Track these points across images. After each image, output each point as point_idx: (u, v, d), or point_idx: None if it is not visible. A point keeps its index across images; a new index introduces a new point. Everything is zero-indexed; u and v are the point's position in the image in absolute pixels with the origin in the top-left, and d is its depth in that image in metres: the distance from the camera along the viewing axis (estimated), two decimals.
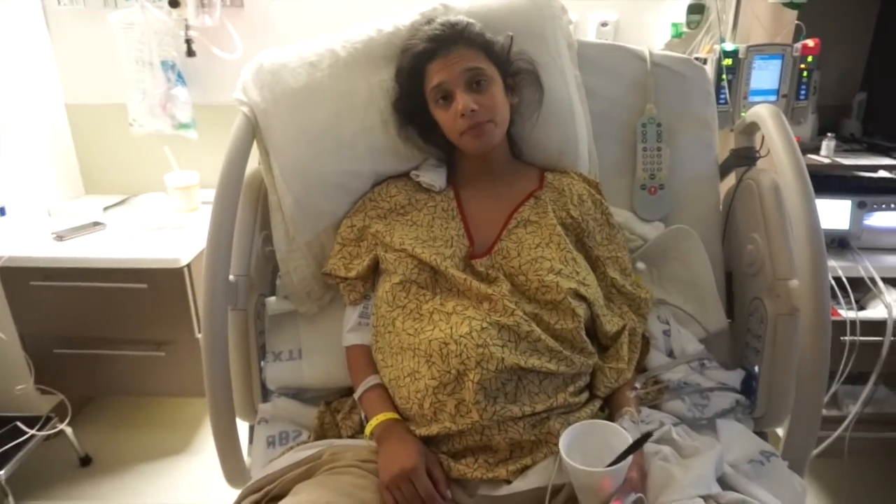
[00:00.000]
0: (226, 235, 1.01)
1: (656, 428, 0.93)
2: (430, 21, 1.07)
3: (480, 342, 0.89)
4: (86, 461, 1.85)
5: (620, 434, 0.83)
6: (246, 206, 1.11)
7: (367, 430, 0.96)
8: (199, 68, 1.98)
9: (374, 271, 1.08)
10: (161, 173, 1.94)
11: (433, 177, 1.11)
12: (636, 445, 0.80)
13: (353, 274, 1.07)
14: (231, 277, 1.05)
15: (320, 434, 1.03)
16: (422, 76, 1.04)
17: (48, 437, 1.72)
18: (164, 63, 1.91)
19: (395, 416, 0.96)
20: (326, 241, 1.13)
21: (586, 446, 0.83)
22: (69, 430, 1.79)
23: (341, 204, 1.13)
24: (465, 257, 1.03)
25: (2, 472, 1.52)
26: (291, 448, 1.00)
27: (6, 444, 1.60)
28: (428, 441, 0.92)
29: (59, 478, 1.80)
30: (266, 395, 1.15)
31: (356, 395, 1.01)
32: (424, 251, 1.00)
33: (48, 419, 1.71)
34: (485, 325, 0.91)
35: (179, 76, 1.95)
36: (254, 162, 1.12)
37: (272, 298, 1.16)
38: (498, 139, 1.06)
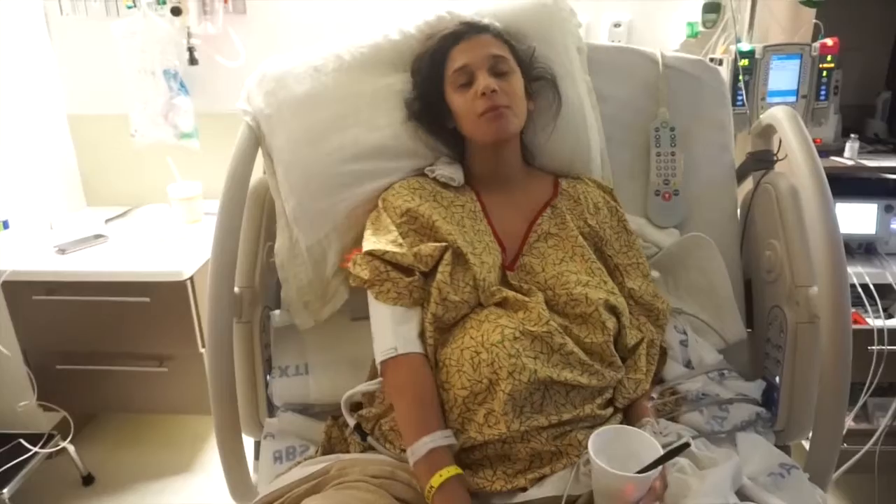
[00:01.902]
0: (230, 247, 1.00)
1: (691, 437, 0.89)
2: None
3: (513, 352, 0.87)
4: (88, 480, 1.82)
5: (650, 443, 0.81)
6: (250, 216, 1.10)
7: (435, 482, 0.83)
8: (201, 76, 1.96)
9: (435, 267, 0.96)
10: (163, 184, 1.91)
11: (450, 171, 1.06)
12: (672, 454, 0.77)
13: (422, 265, 0.95)
14: (235, 289, 1.04)
15: (328, 449, 1.01)
16: (444, 59, 1.03)
17: (50, 455, 1.69)
18: (166, 72, 1.89)
19: (458, 470, 0.85)
20: (328, 245, 1.10)
21: (612, 452, 0.80)
22: (71, 448, 1.76)
23: (344, 207, 1.09)
24: (501, 266, 1.00)
25: (5, 490, 1.50)
26: (299, 463, 0.98)
27: (9, 463, 1.58)
28: None
29: (61, 497, 1.77)
30: (272, 409, 1.13)
31: (422, 448, 0.85)
32: (466, 247, 0.95)
33: (50, 437, 1.69)
34: (517, 334, 0.89)
35: (182, 85, 1.93)
36: (258, 172, 1.10)
37: (277, 311, 1.13)
38: (515, 129, 1.02)
